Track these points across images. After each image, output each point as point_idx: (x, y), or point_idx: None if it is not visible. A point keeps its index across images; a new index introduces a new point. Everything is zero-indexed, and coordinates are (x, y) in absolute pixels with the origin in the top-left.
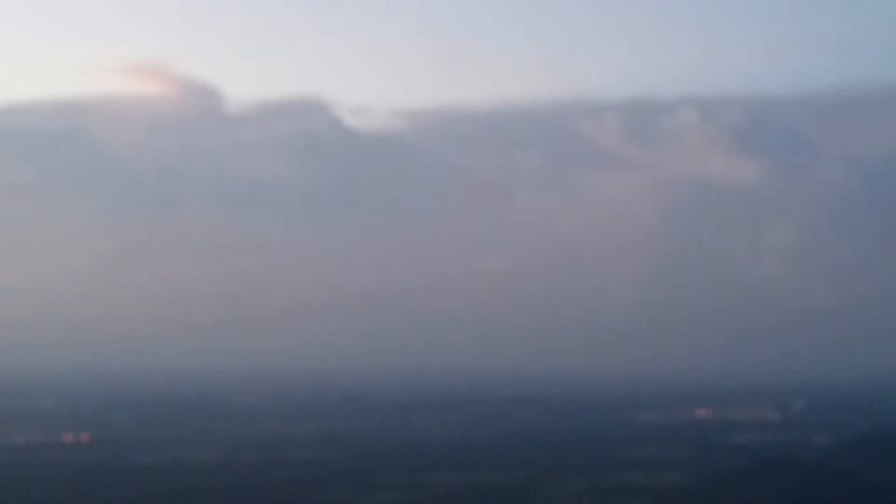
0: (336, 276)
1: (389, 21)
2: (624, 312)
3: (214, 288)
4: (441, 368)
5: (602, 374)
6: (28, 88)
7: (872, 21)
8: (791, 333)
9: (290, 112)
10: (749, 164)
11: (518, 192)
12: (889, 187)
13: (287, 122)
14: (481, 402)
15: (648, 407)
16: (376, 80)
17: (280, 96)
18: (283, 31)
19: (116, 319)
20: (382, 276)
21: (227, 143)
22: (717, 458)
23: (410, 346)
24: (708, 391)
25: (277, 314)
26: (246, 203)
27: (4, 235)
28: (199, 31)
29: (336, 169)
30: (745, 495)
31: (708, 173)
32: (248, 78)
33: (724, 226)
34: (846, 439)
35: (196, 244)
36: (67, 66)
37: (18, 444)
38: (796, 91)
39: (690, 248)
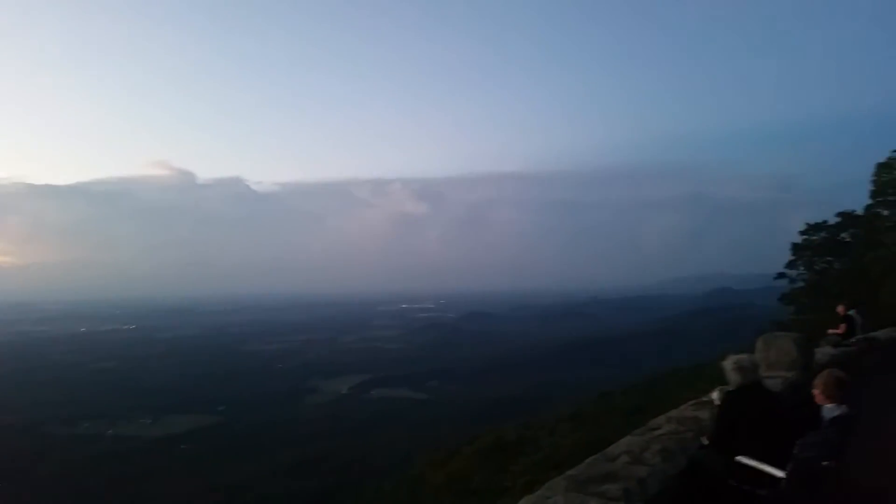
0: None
1: (273, 131)
2: (360, 268)
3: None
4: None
5: (357, 295)
6: (105, 170)
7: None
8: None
9: (227, 182)
10: (420, 205)
11: (326, 218)
12: (472, 215)
13: (226, 187)
14: (310, 306)
15: (380, 305)
16: (266, 166)
17: (222, 175)
18: (221, 140)
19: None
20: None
21: (197, 198)
22: (412, 323)
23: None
24: (402, 298)
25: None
26: (206, 223)
27: (97, 236)
28: (182, 141)
29: (247, 206)
30: (424, 336)
31: (403, 210)
32: (207, 165)
33: (412, 229)
34: (462, 314)
35: (176, 238)
36: (122, 159)
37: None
38: (443, 174)
39: (394, 238)
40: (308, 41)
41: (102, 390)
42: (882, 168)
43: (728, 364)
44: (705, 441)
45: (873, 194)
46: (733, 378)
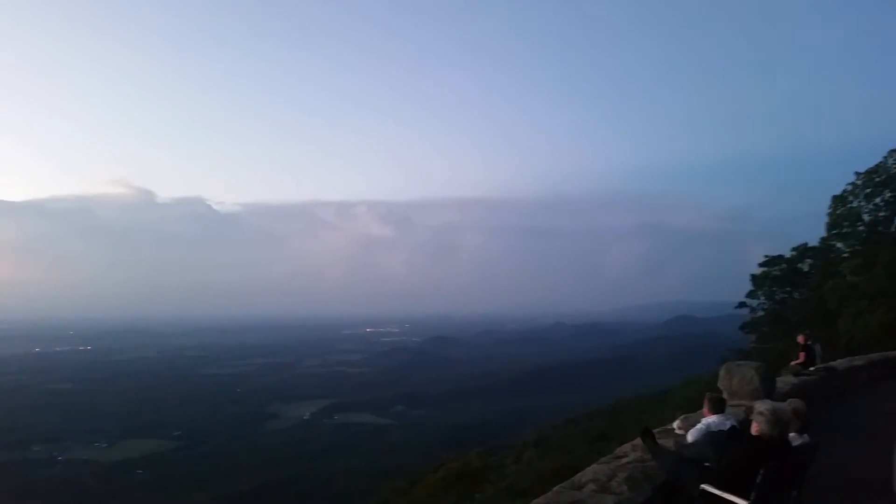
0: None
1: (236, 150)
2: (323, 291)
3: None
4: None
5: (320, 318)
6: (62, 187)
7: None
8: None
9: (188, 201)
10: (385, 228)
11: (289, 239)
12: (436, 239)
13: (187, 207)
14: (271, 329)
15: (344, 328)
16: (228, 186)
17: (183, 194)
18: (183, 159)
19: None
20: (239, 269)
21: (157, 217)
22: (376, 347)
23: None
24: (366, 322)
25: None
26: (165, 243)
27: (53, 254)
28: (142, 159)
29: (209, 227)
30: (389, 360)
31: (368, 233)
32: (167, 184)
33: (377, 252)
34: (426, 338)
35: (134, 257)
36: (80, 176)
37: None
38: (408, 198)
39: (358, 261)
40: (270, 62)
41: (57, 413)
42: (837, 201)
43: (764, 409)
44: (678, 429)
45: (829, 226)
46: (765, 428)
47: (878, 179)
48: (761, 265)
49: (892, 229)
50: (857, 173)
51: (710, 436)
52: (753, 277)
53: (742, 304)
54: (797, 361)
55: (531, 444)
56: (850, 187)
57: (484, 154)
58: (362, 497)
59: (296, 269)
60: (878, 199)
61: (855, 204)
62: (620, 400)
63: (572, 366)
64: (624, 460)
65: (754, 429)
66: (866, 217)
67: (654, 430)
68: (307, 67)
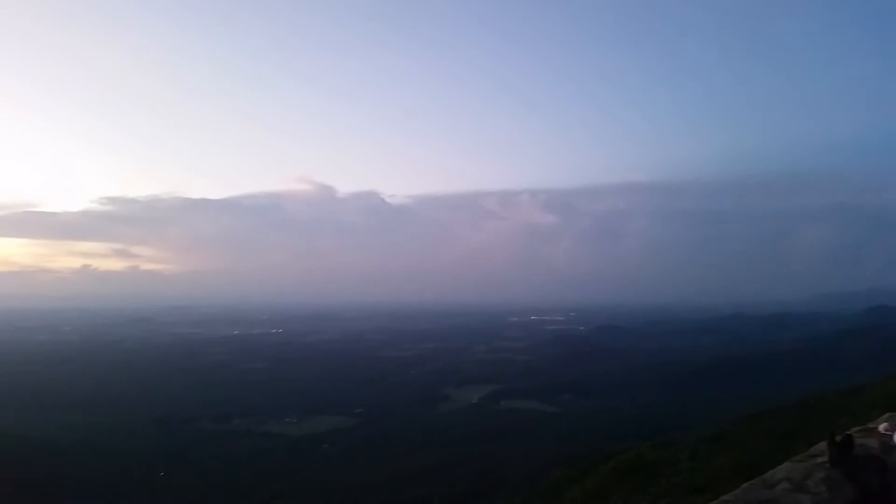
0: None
1: (406, 144)
2: (489, 279)
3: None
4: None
5: (487, 306)
6: (254, 185)
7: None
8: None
9: (364, 195)
10: (548, 216)
11: (455, 229)
12: (601, 226)
13: (363, 200)
14: (441, 315)
15: (510, 315)
16: (399, 179)
17: (359, 189)
18: (359, 155)
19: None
20: (410, 257)
21: (337, 210)
22: (541, 335)
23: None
24: (531, 310)
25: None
26: (344, 234)
27: (247, 246)
28: (324, 156)
29: (382, 218)
30: (554, 348)
31: (531, 221)
32: (346, 180)
33: (541, 241)
34: (593, 328)
35: (318, 248)
36: (270, 174)
37: None
38: (570, 185)
39: (522, 249)
40: (436, 55)
41: (253, 389)
42: None
43: None
44: (884, 430)
45: None
46: None
47: None
48: None
49: None
50: None
51: None
52: None
53: None
54: None
55: (707, 440)
56: None
57: (653, 135)
58: (532, 483)
59: (462, 257)
60: None
61: None
62: (810, 395)
63: (754, 358)
64: (820, 459)
65: None
66: None
67: (856, 429)
68: (468, 60)
